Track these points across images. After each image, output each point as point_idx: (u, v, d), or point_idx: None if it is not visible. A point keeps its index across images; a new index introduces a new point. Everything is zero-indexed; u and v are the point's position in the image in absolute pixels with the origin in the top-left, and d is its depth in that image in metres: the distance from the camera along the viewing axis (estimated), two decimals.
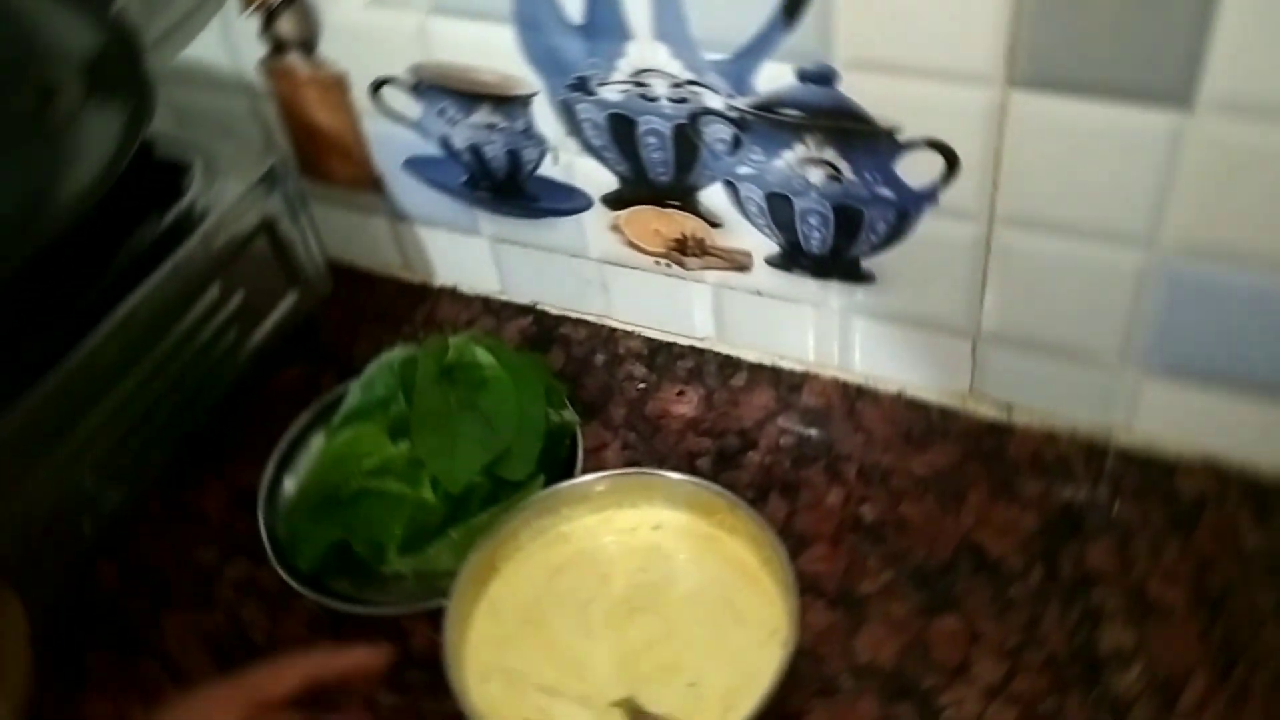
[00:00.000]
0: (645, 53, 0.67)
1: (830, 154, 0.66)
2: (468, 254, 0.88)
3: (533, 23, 0.69)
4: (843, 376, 0.79)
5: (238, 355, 0.78)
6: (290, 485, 0.75)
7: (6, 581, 0.62)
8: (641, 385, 0.82)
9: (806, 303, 0.77)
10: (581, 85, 0.71)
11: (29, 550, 0.66)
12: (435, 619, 0.63)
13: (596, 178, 0.77)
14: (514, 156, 0.78)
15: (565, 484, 0.69)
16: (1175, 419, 0.70)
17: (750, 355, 0.82)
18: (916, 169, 0.65)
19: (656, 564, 0.66)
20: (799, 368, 0.80)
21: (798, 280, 0.75)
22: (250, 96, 0.86)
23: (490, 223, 0.85)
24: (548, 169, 0.78)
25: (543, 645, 0.63)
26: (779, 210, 0.71)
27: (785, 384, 0.80)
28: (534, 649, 0.63)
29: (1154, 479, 0.70)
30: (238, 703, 0.56)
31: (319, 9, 0.77)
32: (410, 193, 0.86)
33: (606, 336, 0.85)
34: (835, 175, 0.67)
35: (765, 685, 0.57)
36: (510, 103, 0.74)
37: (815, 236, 0.72)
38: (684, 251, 0.78)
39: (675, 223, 0.76)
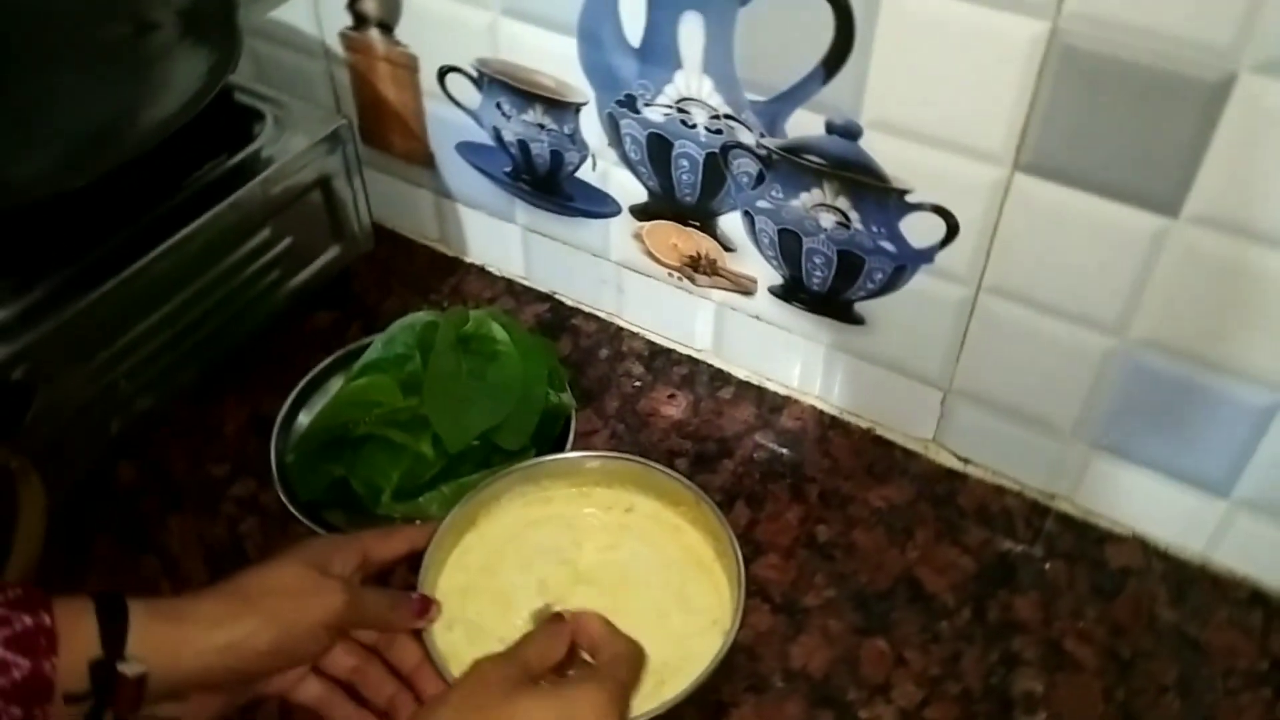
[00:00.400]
0: (691, 83, 0.67)
1: (843, 203, 0.67)
2: (500, 238, 0.89)
3: (594, 38, 0.70)
4: (821, 405, 0.80)
5: (276, 294, 0.79)
6: (304, 419, 0.76)
7: (33, 462, 0.63)
8: (637, 383, 0.82)
9: (799, 334, 0.77)
10: (629, 103, 0.71)
11: (59, 437, 0.67)
12: (414, 562, 0.64)
13: (628, 188, 0.77)
14: (557, 157, 0.79)
15: (550, 456, 0.70)
16: (1114, 495, 0.71)
17: (740, 372, 0.82)
18: (919, 229, 0.65)
19: (623, 543, 0.67)
20: (782, 391, 0.81)
21: (795, 312, 0.76)
22: (327, 62, 0.86)
23: (525, 213, 0.85)
24: (585, 173, 0.79)
25: (501, 602, 0.64)
26: (789, 246, 0.72)
27: (768, 404, 0.80)
28: (493, 604, 0.64)
29: (1086, 546, 0.71)
30: (356, 553, 0.61)
31: None
32: (458, 173, 0.87)
33: (613, 334, 0.86)
34: (844, 223, 0.68)
35: (700, 668, 0.58)
36: (562, 108, 0.75)
37: (817, 275, 0.72)
38: (696, 268, 0.79)
39: (693, 241, 0.77)
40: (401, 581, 0.66)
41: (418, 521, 0.69)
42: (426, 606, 0.61)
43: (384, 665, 0.60)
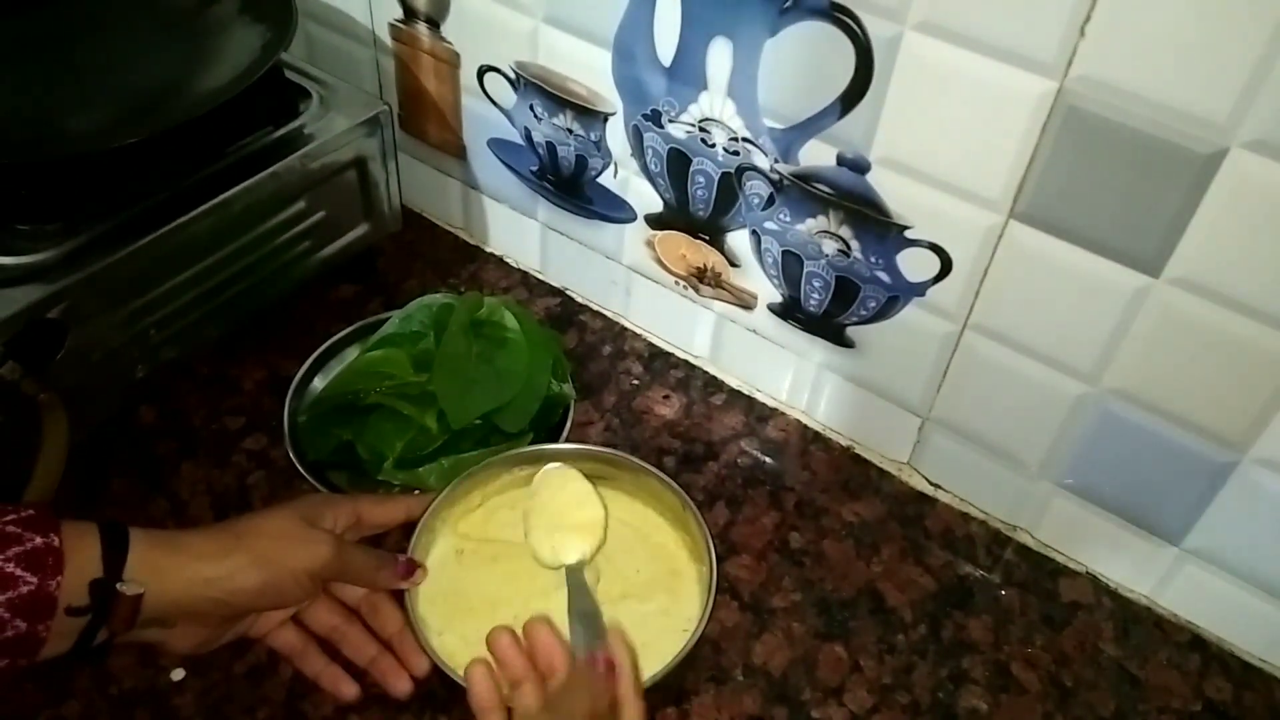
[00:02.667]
0: (715, 105, 0.67)
1: (846, 232, 0.67)
2: (521, 232, 0.88)
3: (628, 53, 0.70)
4: (805, 420, 0.80)
5: (305, 263, 0.79)
6: (319, 383, 0.76)
7: (60, 398, 0.63)
8: (635, 381, 0.82)
9: (792, 350, 0.77)
10: (654, 118, 0.71)
11: (87, 377, 0.67)
12: (408, 528, 0.64)
13: (646, 197, 0.77)
14: (582, 161, 0.79)
15: (549, 445, 0.70)
16: (1072, 533, 0.71)
17: (733, 381, 0.82)
18: (915, 264, 0.65)
19: (607, 534, 0.66)
20: (771, 403, 0.81)
21: (790, 330, 0.76)
22: (375, 50, 0.86)
23: (546, 211, 0.85)
24: (607, 179, 0.79)
25: (484, 578, 0.64)
26: (790, 267, 0.72)
27: (756, 413, 0.80)
28: (476, 579, 0.63)
29: (1041, 577, 0.71)
30: (349, 514, 0.61)
31: None
32: (487, 167, 0.86)
33: (618, 333, 0.86)
34: (845, 251, 0.68)
35: (664, 659, 0.58)
36: (591, 116, 0.75)
37: (814, 297, 0.72)
38: (701, 279, 0.79)
39: (701, 253, 0.77)
40: (394, 545, 0.66)
41: (416, 491, 0.69)
42: (411, 569, 0.61)
43: (365, 628, 0.60)
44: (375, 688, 0.60)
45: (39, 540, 0.47)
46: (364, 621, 0.61)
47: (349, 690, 0.59)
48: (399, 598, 0.61)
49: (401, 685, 0.59)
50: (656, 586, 0.64)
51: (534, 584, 0.64)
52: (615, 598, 0.63)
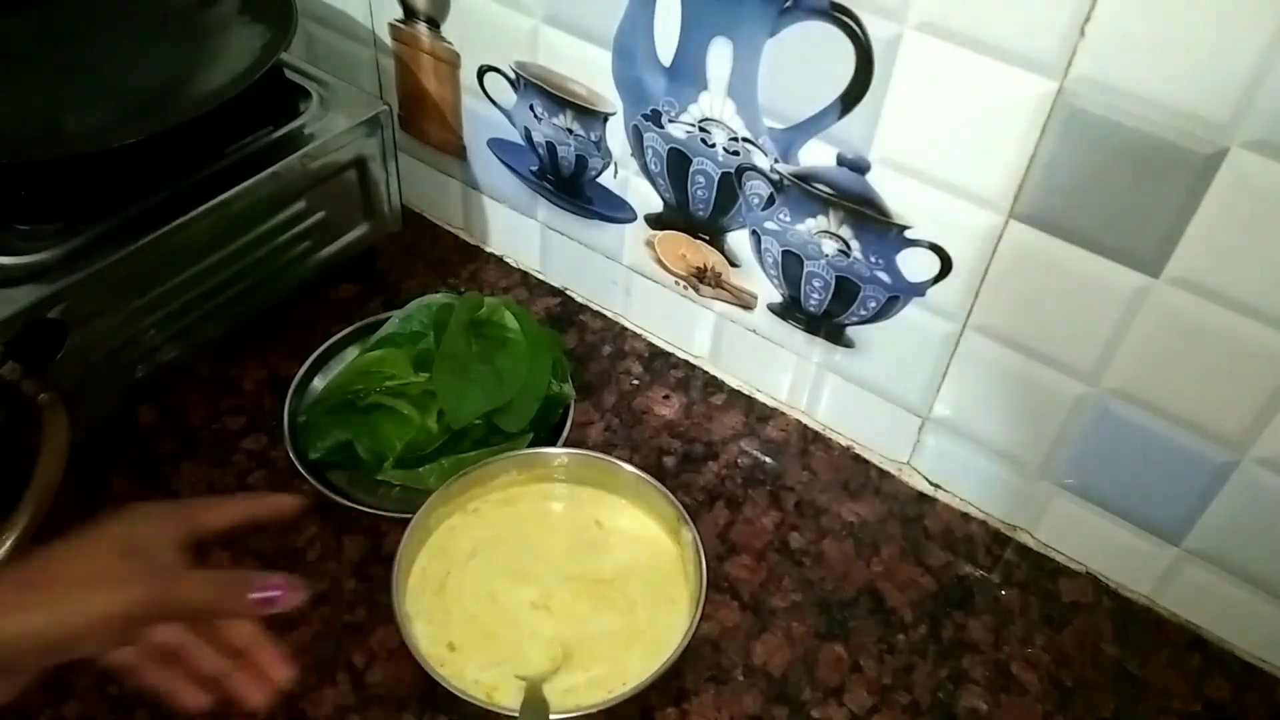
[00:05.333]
0: (715, 105, 0.67)
1: (846, 232, 0.67)
2: (521, 232, 0.88)
3: (628, 53, 0.70)
4: (805, 420, 0.80)
5: (305, 263, 0.79)
6: (319, 383, 0.76)
7: (60, 398, 0.62)
8: (635, 381, 0.82)
9: (792, 351, 0.77)
10: (654, 118, 0.71)
11: (87, 376, 0.66)
12: (395, 539, 0.63)
13: (646, 197, 0.77)
14: (582, 161, 0.79)
15: (547, 449, 0.70)
16: (1071, 533, 0.70)
17: (733, 381, 0.82)
18: (915, 264, 0.65)
19: (604, 539, 0.66)
20: (770, 403, 0.81)
21: (790, 330, 0.76)
22: (375, 50, 0.86)
23: (546, 211, 0.85)
24: (607, 179, 0.79)
25: (483, 586, 0.63)
26: (790, 267, 0.72)
27: (756, 413, 0.80)
28: (473, 586, 0.63)
29: (1041, 577, 0.71)
30: (179, 525, 0.51)
31: None
32: (487, 167, 0.86)
33: (618, 333, 0.86)
34: (845, 251, 0.68)
35: (655, 664, 0.57)
36: (591, 116, 0.75)
37: (814, 297, 0.72)
38: (701, 279, 0.79)
39: (701, 253, 0.77)
40: (394, 544, 0.65)
41: (404, 491, 0.68)
42: (273, 599, 0.49)
43: (214, 638, 0.52)
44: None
45: None
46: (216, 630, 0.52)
47: (197, 700, 0.51)
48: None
49: (257, 697, 0.51)
50: (651, 591, 0.64)
51: (527, 583, 0.64)
52: (608, 603, 0.63)
